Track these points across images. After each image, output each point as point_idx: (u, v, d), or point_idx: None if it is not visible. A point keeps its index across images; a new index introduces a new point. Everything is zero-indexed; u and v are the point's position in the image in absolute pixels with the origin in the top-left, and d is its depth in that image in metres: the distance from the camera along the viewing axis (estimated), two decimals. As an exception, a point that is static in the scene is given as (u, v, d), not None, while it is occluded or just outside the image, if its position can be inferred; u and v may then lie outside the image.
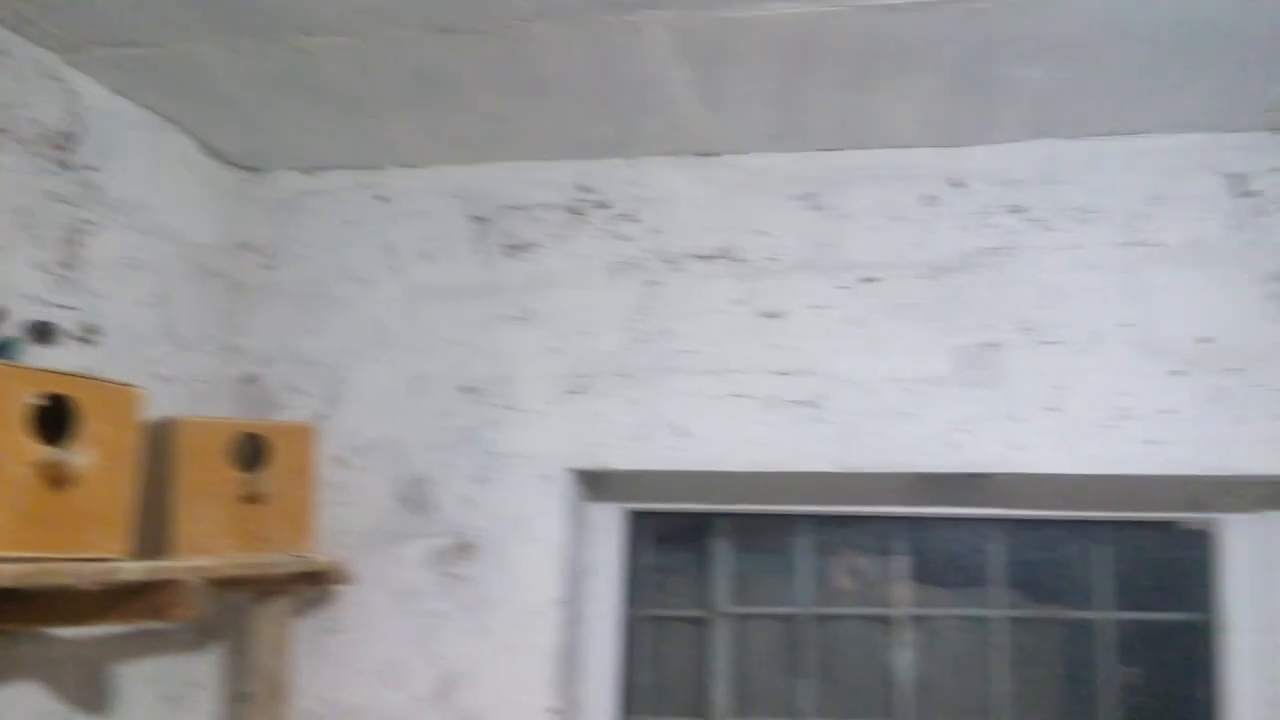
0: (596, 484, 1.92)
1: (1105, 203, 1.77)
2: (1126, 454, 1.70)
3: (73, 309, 1.56)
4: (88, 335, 1.58)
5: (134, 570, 1.33)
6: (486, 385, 1.86)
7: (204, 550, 1.57)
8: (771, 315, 1.82)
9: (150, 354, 1.73)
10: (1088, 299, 1.75)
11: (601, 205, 1.90)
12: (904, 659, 1.96)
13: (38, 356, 1.44)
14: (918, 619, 1.96)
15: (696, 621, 2.00)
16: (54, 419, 1.31)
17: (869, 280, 1.81)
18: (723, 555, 2.01)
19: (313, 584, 1.74)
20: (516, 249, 1.91)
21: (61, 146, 1.56)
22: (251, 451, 1.69)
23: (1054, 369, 1.73)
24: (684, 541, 2.03)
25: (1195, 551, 1.88)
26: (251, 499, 1.66)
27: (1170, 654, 1.89)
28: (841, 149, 1.85)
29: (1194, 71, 1.55)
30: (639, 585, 1.99)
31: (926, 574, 2.00)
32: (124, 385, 1.40)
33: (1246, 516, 1.83)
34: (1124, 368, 1.72)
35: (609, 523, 1.95)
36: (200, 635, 1.84)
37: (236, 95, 1.70)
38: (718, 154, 1.89)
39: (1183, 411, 1.69)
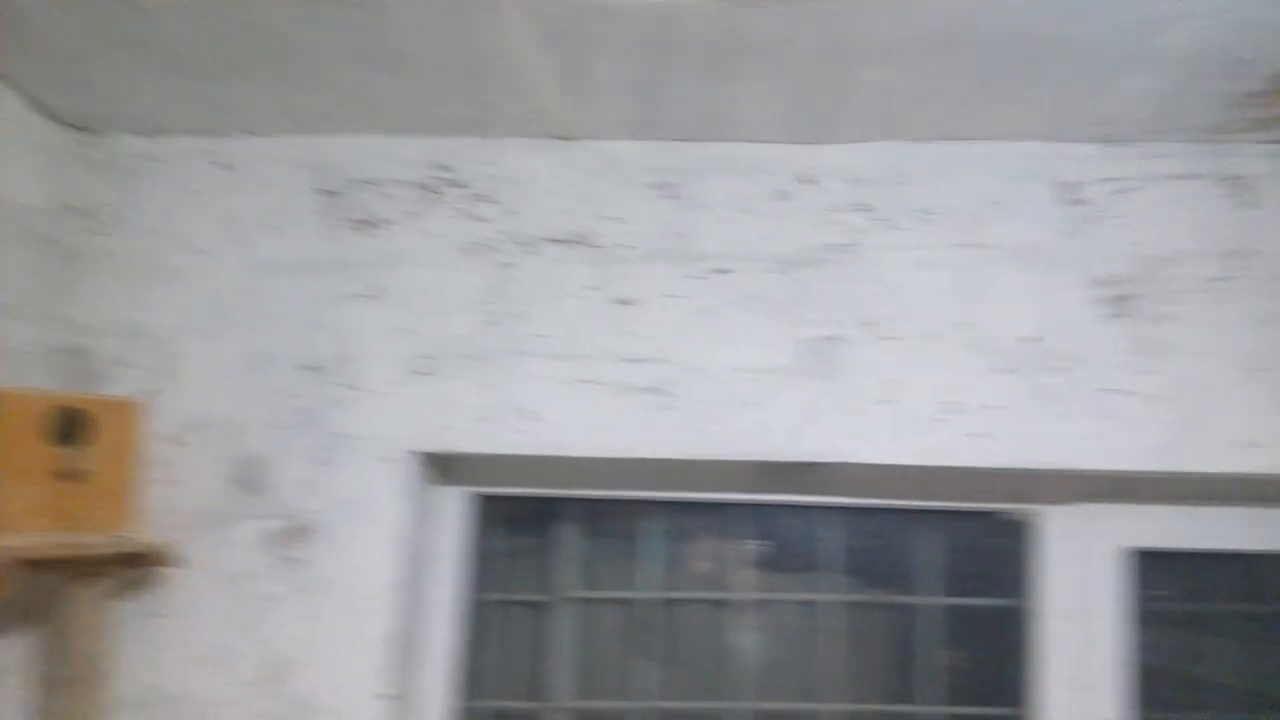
0: (443, 467, 1.90)
1: (946, 205, 1.84)
2: (955, 446, 1.76)
3: None
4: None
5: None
6: (330, 364, 1.81)
7: (15, 528, 1.49)
8: (625, 302, 1.83)
9: (-38, 320, 1.62)
10: (926, 297, 1.81)
11: (457, 184, 1.87)
12: (744, 642, 2.00)
13: None
14: (759, 603, 2.01)
15: (541, 606, 2.00)
16: None
17: (721, 271, 1.84)
18: (569, 540, 2.02)
19: (135, 566, 1.67)
20: (367, 225, 1.86)
21: None
22: (72, 426, 1.60)
23: (892, 363, 1.79)
24: (533, 526, 2.03)
25: (1016, 541, 1.97)
26: (70, 476, 1.58)
27: (990, 638, 1.98)
28: (699, 140, 1.87)
29: (1029, 83, 1.62)
30: (486, 570, 1.98)
31: (768, 560, 2.04)
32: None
33: (1064, 508, 1.93)
34: (956, 364, 1.79)
35: (455, 507, 1.93)
36: (12, 617, 1.74)
37: (70, 51, 1.61)
38: (576, 138, 1.88)
39: (1009, 407, 1.77)
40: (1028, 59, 1.54)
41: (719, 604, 2.03)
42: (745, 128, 1.82)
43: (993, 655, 1.99)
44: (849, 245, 1.84)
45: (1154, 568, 1.96)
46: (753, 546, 2.05)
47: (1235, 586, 2.00)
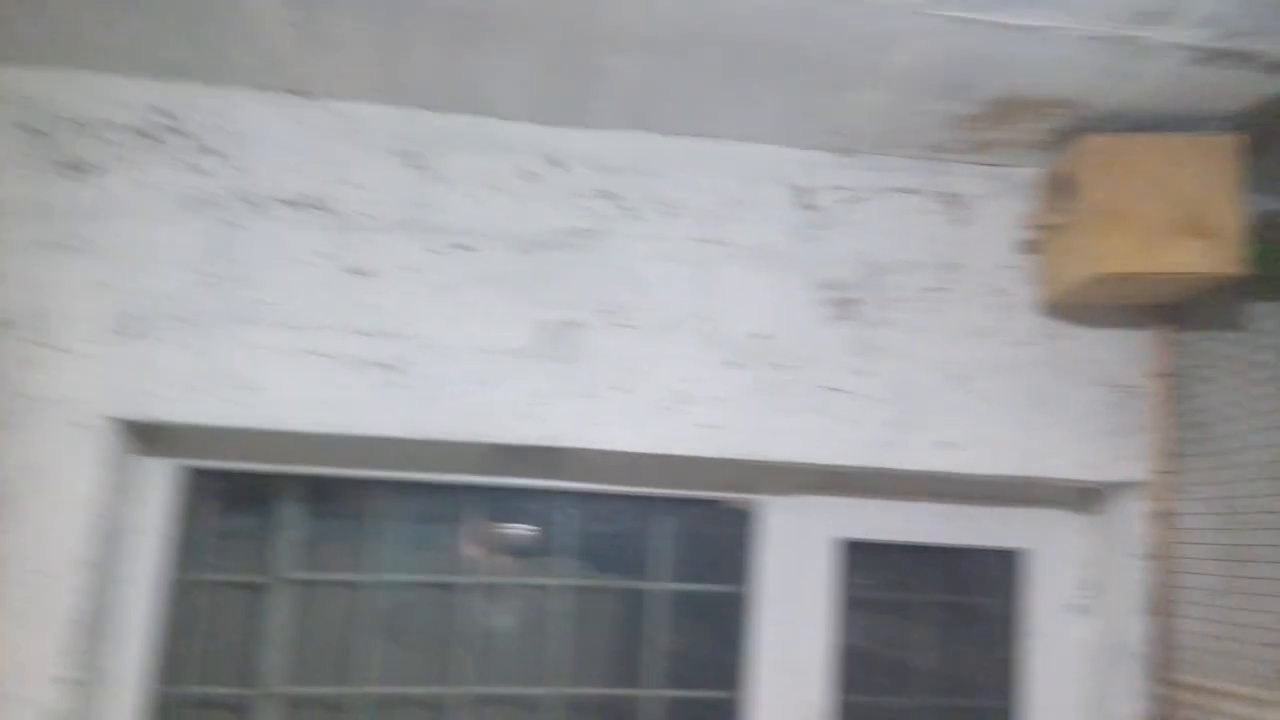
0: (147, 437, 1.77)
1: (689, 200, 1.87)
2: (685, 435, 1.80)
3: None
4: None
5: None
6: (21, 319, 1.65)
7: None
8: (359, 273, 1.76)
9: None
10: (665, 288, 1.83)
11: (180, 133, 1.74)
12: (472, 626, 1.97)
13: None
14: (489, 587, 1.99)
15: (256, 588, 1.90)
16: None
17: (462, 247, 1.79)
18: (291, 519, 1.93)
19: None
20: (75, 169, 1.70)
21: None
22: None
23: (627, 352, 1.81)
24: (251, 504, 1.92)
25: (740, 529, 2.03)
26: None
27: (712, 623, 2.04)
28: (447, 110, 1.81)
29: (768, 87, 1.66)
30: (196, 548, 1.87)
31: (500, 543, 2.02)
32: None
33: (783, 499, 2.01)
34: (690, 356, 1.82)
35: (160, 480, 1.81)
36: None
37: None
38: (316, 96, 1.79)
39: (736, 400, 1.82)
40: (765, 63, 1.58)
41: (448, 588, 1.99)
42: (495, 103, 1.78)
43: (714, 640, 2.05)
44: (593, 231, 1.85)
45: (862, 558, 2.06)
46: (486, 530, 2.02)
47: (935, 578, 2.14)
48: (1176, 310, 1.92)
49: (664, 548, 2.04)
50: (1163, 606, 1.87)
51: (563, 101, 1.75)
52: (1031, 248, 1.90)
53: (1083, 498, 2.09)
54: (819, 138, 1.85)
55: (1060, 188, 1.77)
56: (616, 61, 1.60)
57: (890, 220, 1.91)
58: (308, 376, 1.73)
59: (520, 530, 2.03)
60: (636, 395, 1.80)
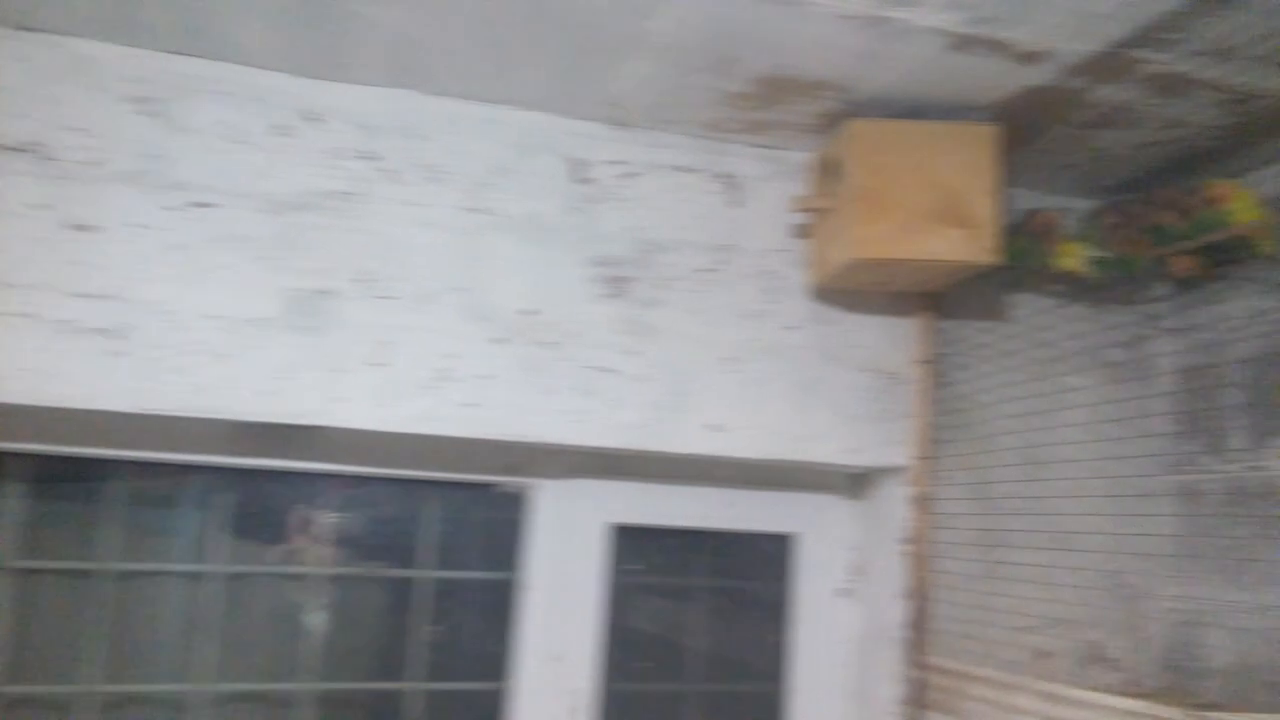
0: None
1: (456, 165, 1.77)
2: (446, 415, 1.71)
3: None
4: None
5: None
6: None
7: None
8: (80, 228, 1.58)
9: None
10: (426, 258, 1.73)
11: None
12: (216, 618, 1.82)
13: None
14: (235, 576, 1.84)
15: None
16: None
17: (201, 205, 1.64)
18: (9, 502, 1.73)
19: None
20: None
21: None
22: None
23: (384, 324, 1.70)
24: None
25: (511, 513, 1.95)
26: None
27: (483, 611, 1.95)
28: (187, 54, 1.65)
29: (532, 48, 1.59)
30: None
31: (249, 528, 1.88)
32: None
33: (553, 483, 1.94)
34: (451, 330, 1.73)
35: None
36: None
37: None
38: (37, 30, 1.59)
39: (500, 378, 1.74)
40: (526, 22, 1.50)
41: (189, 577, 1.84)
42: (244, 49, 1.64)
43: (483, 629, 1.96)
44: (351, 194, 1.73)
45: (635, 542, 2.02)
46: (233, 514, 1.87)
47: (709, 562, 2.11)
48: (939, 298, 1.95)
49: (431, 534, 1.95)
50: (920, 591, 1.90)
51: (319, 52, 1.63)
52: (803, 232, 1.88)
53: (851, 483, 2.10)
54: (594, 108, 1.78)
55: (828, 172, 1.77)
56: (373, 10, 1.49)
57: (666, 198, 1.86)
58: (17, 341, 1.55)
59: (273, 515, 1.89)
60: (393, 371, 1.69)
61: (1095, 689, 1.57)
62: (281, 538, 1.92)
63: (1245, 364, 1.90)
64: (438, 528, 1.97)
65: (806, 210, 1.80)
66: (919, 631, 1.89)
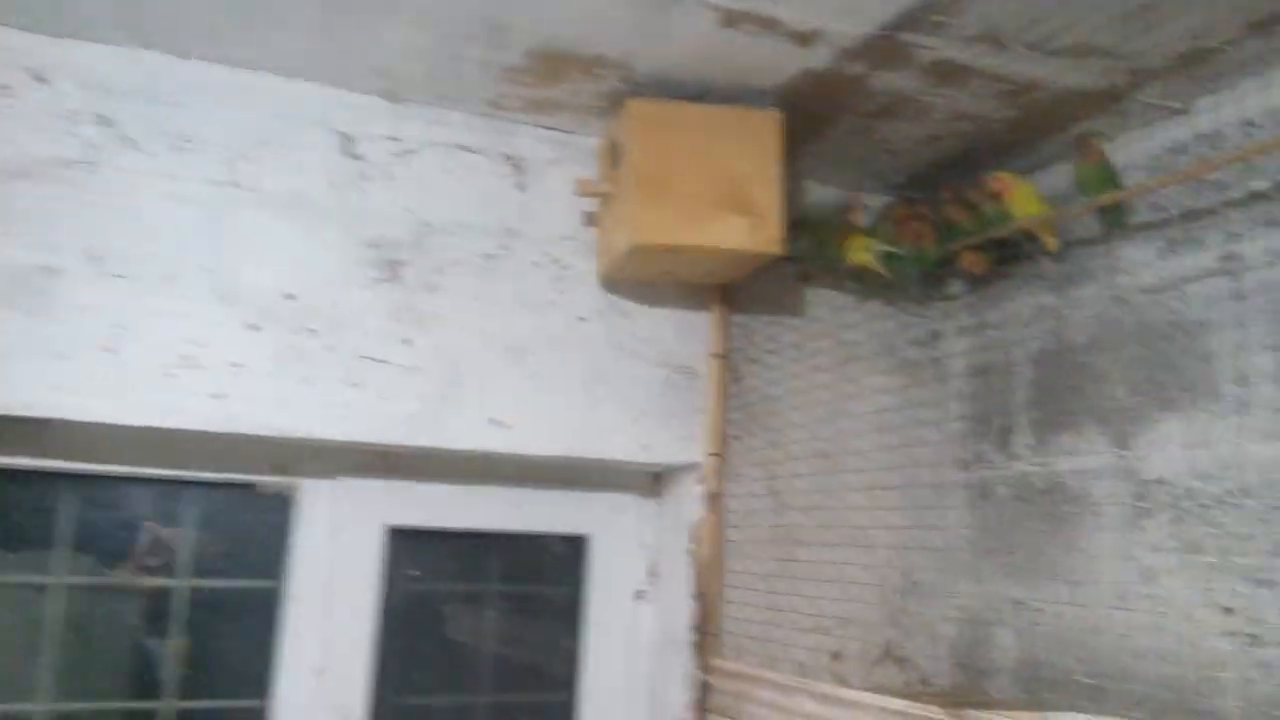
0: None
1: (208, 135, 1.62)
2: (189, 407, 1.55)
3: None
4: None
5: None
6: None
7: None
8: None
9: None
10: (170, 235, 1.58)
11: None
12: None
13: None
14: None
15: None
16: None
17: (-101, 168, 1.44)
18: None
19: None
20: None
21: None
22: None
23: (118, 305, 1.54)
24: None
25: (276, 516, 1.80)
26: None
27: (244, 622, 1.79)
28: (-116, -2, 1.44)
29: (290, 11, 1.45)
30: None
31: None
32: None
33: (323, 483, 1.80)
34: (197, 314, 1.58)
35: None
36: None
37: None
38: None
39: (253, 367, 1.59)
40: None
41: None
42: (-49, -4, 1.45)
43: (243, 642, 1.80)
44: (83, 162, 1.56)
45: (415, 546, 1.89)
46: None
47: (494, 566, 2.00)
48: (733, 291, 1.89)
49: (187, 539, 1.77)
50: (708, 592, 1.83)
51: (42, 4, 1.44)
52: (592, 219, 1.80)
53: (647, 481, 2.03)
54: (364, 79, 1.66)
55: (614, 156, 1.68)
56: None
57: (446, 178, 1.75)
58: None
59: (7, 521, 1.68)
60: (127, 358, 1.53)
61: (870, 689, 1.52)
62: (17, 544, 1.72)
63: (1032, 361, 1.90)
64: (193, 533, 1.80)
65: (589, 194, 1.72)
66: (706, 634, 1.82)
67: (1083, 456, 1.74)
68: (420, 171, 1.75)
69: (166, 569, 1.75)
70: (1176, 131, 1.61)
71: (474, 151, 1.79)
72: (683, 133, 1.62)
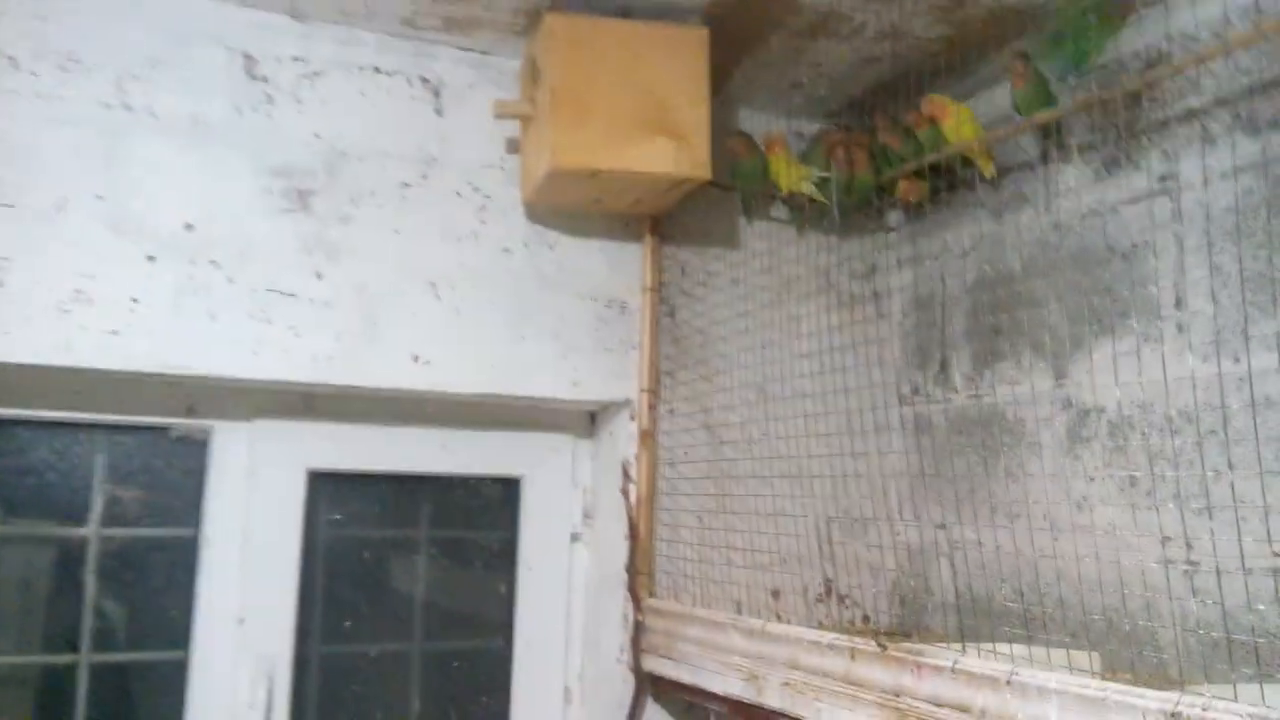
0: None
1: (96, 54, 1.53)
2: (81, 345, 1.47)
3: None
4: None
5: None
6: None
7: None
8: None
9: None
10: (58, 161, 1.49)
11: None
12: None
13: None
14: None
15: None
16: None
17: None
18: None
19: None
20: None
21: None
22: None
23: (3, 237, 1.44)
24: None
25: (191, 461, 1.72)
26: None
27: (158, 572, 1.71)
28: None
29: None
30: None
31: None
32: None
33: (239, 425, 1.72)
34: (88, 245, 1.49)
35: None
36: None
37: None
38: None
39: (153, 302, 1.51)
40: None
41: None
42: None
43: (160, 592, 1.72)
44: (-40, 84, 1.43)
45: (340, 490, 1.82)
46: None
47: (424, 510, 1.93)
48: (666, 222, 1.82)
49: (99, 486, 1.68)
50: (642, 531, 1.78)
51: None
52: (515, 145, 1.71)
53: (582, 420, 1.97)
54: None
55: (534, 76, 1.59)
56: None
57: (358, 102, 1.66)
58: None
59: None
60: (14, 293, 1.43)
61: (802, 624, 1.48)
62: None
63: (969, 291, 1.86)
64: (105, 478, 1.71)
65: (506, 116, 1.63)
66: (640, 573, 1.77)
67: (1020, 386, 1.70)
68: (330, 95, 1.66)
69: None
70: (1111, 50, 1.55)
71: (388, 74, 1.69)
72: (604, 50, 1.54)
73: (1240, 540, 1.19)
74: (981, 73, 1.71)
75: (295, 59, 1.64)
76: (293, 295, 1.60)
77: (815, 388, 1.89)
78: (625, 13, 1.57)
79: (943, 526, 1.83)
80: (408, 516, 1.93)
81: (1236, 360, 1.36)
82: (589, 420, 1.96)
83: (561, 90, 1.51)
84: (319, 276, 1.62)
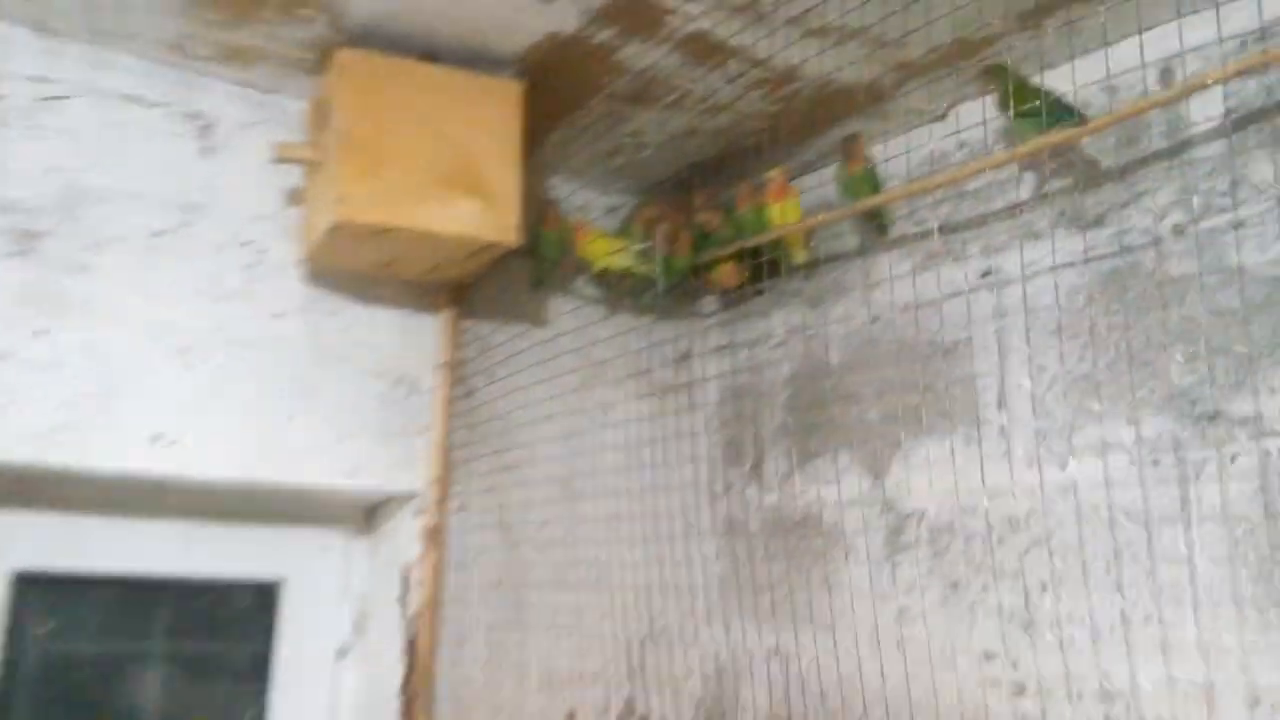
0: None
1: None
2: None
3: None
4: None
5: None
6: None
7: None
8: None
9: None
10: None
11: None
12: None
13: None
14: None
15: None
16: None
17: None
18: None
19: None
20: None
21: None
22: None
23: None
24: None
25: None
26: None
27: None
28: None
29: None
30: None
31: None
32: None
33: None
34: None
35: None
36: None
37: None
38: None
39: None
40: None
41: None
42: None
43: None
44: None
45: (51, 595, 1.50)
46: None
47: (159, 619, 1.63)
48: (467, 293, 1.65)
49: None
50: (425, 645, 1.55)
51: None
52: (297, 196, 1.50)
53: (357, 515, 1.73)
54: (5, 3, 1.30)
55: (323, 118, 1.40)
56: None
57: (110, 135, 1.43)
58: None
59: None
60: None
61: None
62: None
63: (786, 384, 1.77)
64: None
65: (289, 160, 1.43)
66: (416, 696, 1.53)
67: (837, 486, 1.61)
68: (75, 123, 1.42)
69: None
70: (941, 141, 1.52)
71: (148, 105, 1.47)
72: (406, 95, 1.38)
73: (1066, 662, 1.12)
74: (807, 154, 1.66)
75: (34, 79, 1.40)
76: (7, 355, 1.32)
77: (623, 484, 1.74)
78: (432, 56, 1.42)
79: (755, 639, 1.70)
80: (140, 627, 1.63)
81: (1062, 467, 1.30)
82: (366, 515, 1.73)
83: (353, 135, 1.34)
84: (41, 334, 1.35)
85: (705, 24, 1.33)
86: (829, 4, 1.24)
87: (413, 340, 1.66)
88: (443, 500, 1.64)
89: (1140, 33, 1.12)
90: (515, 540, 1.71)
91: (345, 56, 1.39)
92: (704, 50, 1.40)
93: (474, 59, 1.45)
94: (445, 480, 1.64)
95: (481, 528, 1.67)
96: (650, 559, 1.75)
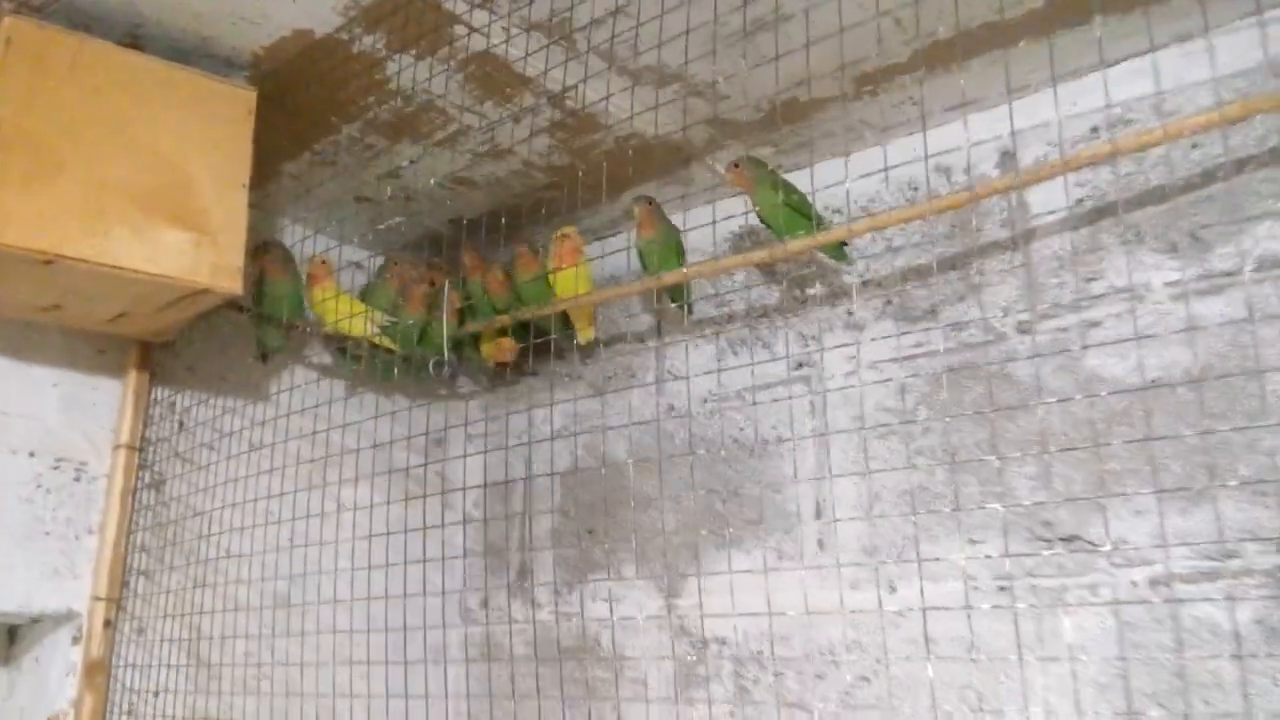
0: None
1: None
2: None
3: None
4: None
5: None
6: None
7: None
8: None
9: None
10: None
11: None
12: None
13: None
14: None
15: None
16: None
17: None
18: None
19: None
20: None
21: None
22: None
23: None
24: None
25: None
26: None
27: None
28: None
29: None
30: None
31: None
32: None
33: None
34: None
35: None
36: None
37: None
38: None
39: None
40: None
41: None
42: None
43: None
44: None
45: None
46: None
47: None
48: (161, 353, 1.31)
49: None
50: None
51: None
52: None
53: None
54: None
55: None
56: None
57: None
58: None
59: None
60: None
61: None
62: None
63: (562, 481, 1.53)
64: None
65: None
66: None
67: (622, 605, 1.39)
68: None
69: None
70: (751, 214, 1.36)
71: None
72: (99, 87, 1.07)
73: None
74: (598, 218, 1.45)
75: None
76: None
77: (358, 592, 1.43)
78: (135, 44, 1.09)
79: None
80: None
81: (893, 589, 1.14)
82: (4, 641, 1.32)
83: (18, 130, 1.01)
84: None
85: (496, 39, 1.10)
86: (644, 31, 1.04)
87: (83, 410, 1.31)
88: (112, 624, 1.27)
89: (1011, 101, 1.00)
90: (212, 673, 1.35)
91: (14, 26, 1.05)
92: (491, 74, 1.17)
93: (196, 53, 1.16)
94: (118, 598, 1.27)
95: (166, 660, 1.31)
96: (387, 692, 1.45)
